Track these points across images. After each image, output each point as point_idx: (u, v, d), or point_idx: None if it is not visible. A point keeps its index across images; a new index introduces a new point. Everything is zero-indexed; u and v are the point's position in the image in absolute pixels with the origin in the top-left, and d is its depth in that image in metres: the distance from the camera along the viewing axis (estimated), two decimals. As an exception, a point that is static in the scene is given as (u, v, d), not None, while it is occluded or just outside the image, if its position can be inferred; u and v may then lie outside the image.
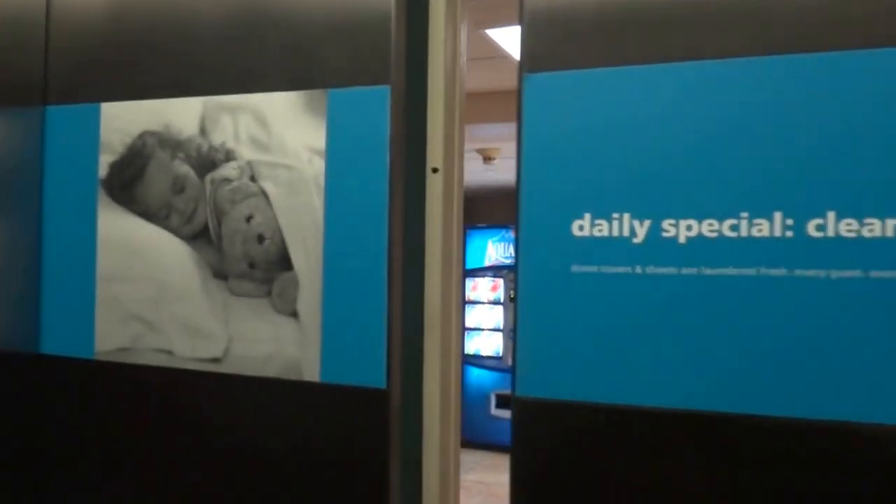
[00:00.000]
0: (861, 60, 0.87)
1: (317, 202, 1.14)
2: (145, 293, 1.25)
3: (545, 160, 1.01)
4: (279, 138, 1.17)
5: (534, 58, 1.03)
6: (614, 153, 0.98)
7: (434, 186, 1.14)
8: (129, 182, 1.27)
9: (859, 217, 0.87)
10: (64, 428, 1.31)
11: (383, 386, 1.09)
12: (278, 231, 1.17)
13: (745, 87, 0.92)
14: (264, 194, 1.18)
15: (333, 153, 1.14)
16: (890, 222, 0.86)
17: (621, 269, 0.97)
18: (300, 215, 1.15)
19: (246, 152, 1.19)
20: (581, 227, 0.99)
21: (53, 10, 1.32)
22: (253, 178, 1.19)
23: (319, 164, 1.14)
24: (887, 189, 0.86)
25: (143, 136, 1.27)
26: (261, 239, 1.18)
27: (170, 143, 1.25)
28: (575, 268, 0.99)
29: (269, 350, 1.16)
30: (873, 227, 0.87)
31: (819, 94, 0.89)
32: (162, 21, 1.26)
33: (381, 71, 1.11)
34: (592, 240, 0.98)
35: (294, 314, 1.15)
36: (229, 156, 1.21)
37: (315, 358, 1.14)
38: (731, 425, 0.92)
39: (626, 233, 0.97)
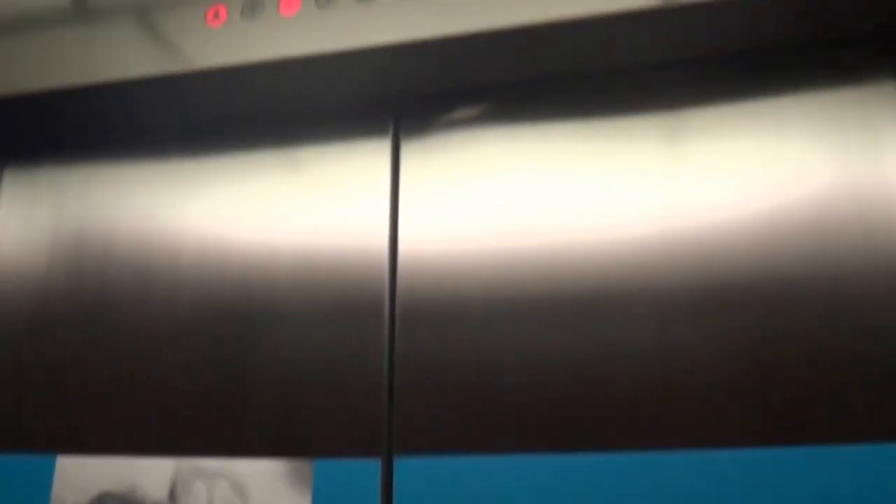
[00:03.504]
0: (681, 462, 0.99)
1: (297, 587, 1.06)
2: None
3: None
4: (258, 510, 1.11)
5: (405, 441, 1.08)
6: None
7: None
8: (79, 552, 1.15)
9: None
10: None
11: None
12: None
13: (568, 484, 1.01)
14: (238, 575, 1.09)
15: (318, 531, 1.08)
16: None
17: None
18: None
19: (220, 524, 1.12)
20: None
21: None
22: (226, 556, 1.10)
23: (302, 543, 1.07)
24: None
25: (102, 497, 1.17)
26: None
27: (133, 507, 1.15)
28: None
29: None
30: None
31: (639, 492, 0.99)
32: (128, 368, 1.22)
33: (371, 442, 1.10)
34: None
35: None
36: (200, 527, 1.12)
37: None
38: None
39: None
